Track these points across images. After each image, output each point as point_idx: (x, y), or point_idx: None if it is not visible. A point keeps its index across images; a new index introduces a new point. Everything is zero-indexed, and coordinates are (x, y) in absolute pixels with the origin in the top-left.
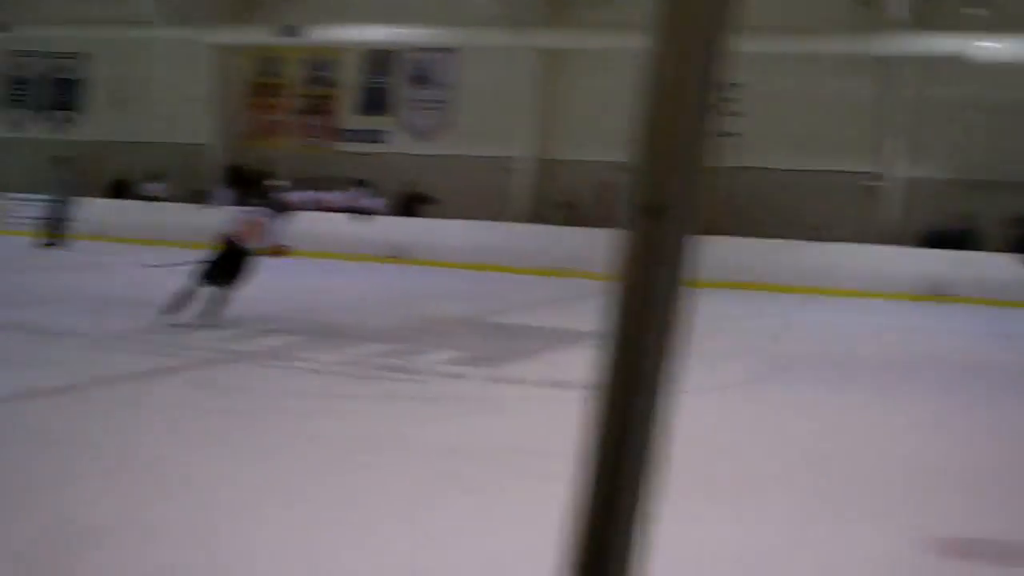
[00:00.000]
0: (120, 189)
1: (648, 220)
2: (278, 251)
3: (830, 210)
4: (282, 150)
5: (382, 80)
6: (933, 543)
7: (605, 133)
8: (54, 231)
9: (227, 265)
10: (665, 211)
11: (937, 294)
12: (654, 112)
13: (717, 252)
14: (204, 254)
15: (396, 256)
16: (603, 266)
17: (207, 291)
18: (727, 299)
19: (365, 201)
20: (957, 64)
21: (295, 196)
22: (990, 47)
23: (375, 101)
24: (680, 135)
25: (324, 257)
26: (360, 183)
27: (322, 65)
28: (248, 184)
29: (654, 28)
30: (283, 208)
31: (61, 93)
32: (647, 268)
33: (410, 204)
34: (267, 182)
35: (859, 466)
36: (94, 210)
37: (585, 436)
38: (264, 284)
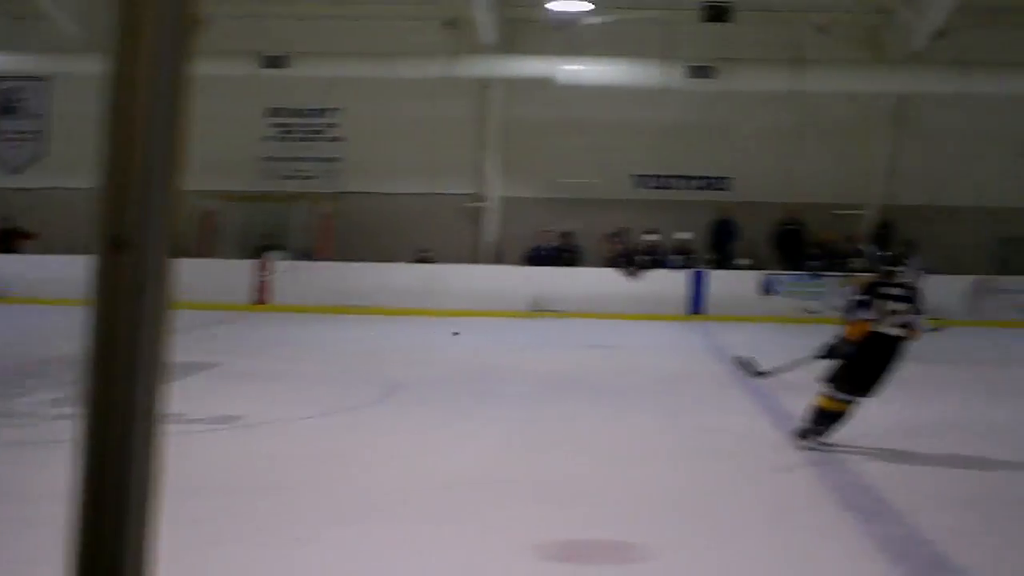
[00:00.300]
0: None
1: (113, 251)
2: None
3: (437, 232)
4: None
5: None
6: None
7: (208, 163)
8: None
9: None
10: (129, 242)
11: (540, 310)
12: (113, 141)
13: (324, 277)
14: None
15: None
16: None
17: None
18: (329, 324)
19: None
20: (547, 86)
21: None
22: (576, 69)
23: None
24: (142, 165)
25: None
26: None
27: None
28: None
29: (111, 52)
30: None
31: None
32: (115, 299)
33: (6, 239)
34: None
35: (458, 479)
36: None
37: (74, 469)
38: None
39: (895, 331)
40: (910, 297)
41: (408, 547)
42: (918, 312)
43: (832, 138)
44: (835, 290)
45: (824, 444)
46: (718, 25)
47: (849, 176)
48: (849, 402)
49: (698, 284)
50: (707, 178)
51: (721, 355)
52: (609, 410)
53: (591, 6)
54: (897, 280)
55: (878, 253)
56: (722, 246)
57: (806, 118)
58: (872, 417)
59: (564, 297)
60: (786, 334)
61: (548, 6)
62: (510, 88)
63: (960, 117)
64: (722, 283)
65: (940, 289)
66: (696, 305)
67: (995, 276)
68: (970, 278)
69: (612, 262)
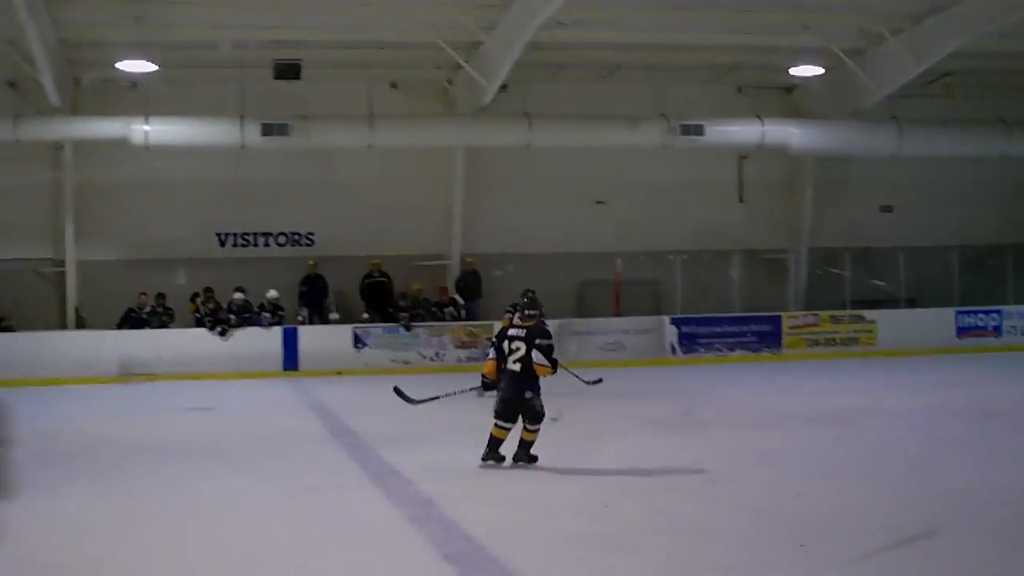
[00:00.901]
0: None
1: None
2: None
3: (17, 299)
4: None
5: None
6: None
7: None
8: None
9: None
10: None
11: (130, 374)
12: None
13: None
14: None
15: None
16: None
17: None
18: None
19: None
20: (123, 146)
21: None
22: (150, 130)
23: None
24: None
25: None
26: None
27: None
28: None
29: None
30: None
31: None
32: None
33: None
34: None
35: None
36: None
37: None
38: None
39: (514, 367)
40: (524, 337)
41: None
42: (543, 351)
43: (412, 190)
44: (426, 340)
45: (493, 462)
46: (293, 83)
47: (431, 227)
48: (503, 428)
49: (290, 341)
50: (292, 234)
51: (318, 411)
52: (208, 475)
53: (156, 67)
54: (516, 324)
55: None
56: (314, 302)
57: (385, 171)
58: None
59: (158, 359)
60: (379, 385)
61: (118, 65)
62: (85, 150)
63: (531, 168)
64: (315, 338)
65: None
66: (290, 361)
67: (574, 319)
68: (556, 322)
69: (200, 322)
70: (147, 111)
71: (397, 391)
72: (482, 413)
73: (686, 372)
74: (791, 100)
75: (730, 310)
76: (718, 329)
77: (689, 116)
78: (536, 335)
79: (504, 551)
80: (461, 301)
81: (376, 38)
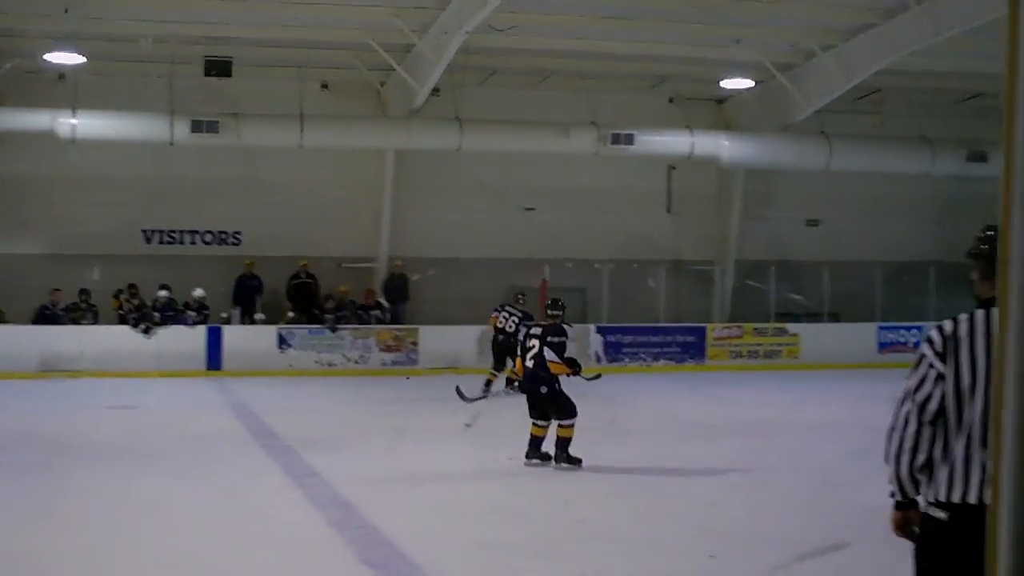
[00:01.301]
0: None
1: None
2: None
3: None
4: None
5: None
6: None
7: None
8: None
9: None
10: None
11: (52, 370)
12: None
13: None
14: None
15: None
16: None
17: None
18: None
19: None
20: (50, 139)
21: None
22: (77, 123)
23: None
24: None
25: None
26: None
27: None
28: None
29: None
30: None
31: None
32: None
33: None
34: None
35: None
36: None
37: None
38: None
39: (529, 364)
40: (540, 335)
41: None
42: (553, 348)
43: (340, 192)
44: (351, 342)
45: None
46: (224, 80)
47: (359, 229)
48: (539, 426)
49: (214, 340)
50: (219, 232)
51: (241, 411)
52: (131, 475)
53: (84, 59)
54: (534, 324)
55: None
56: (245, 301)
57: (314, 172)
58: None
59: (81, 355)
60: (303, 386)
61: (46, 56)
62: (9, 141)
63: (461, 173)
64: (239, 338)
65: (452, 338)
66: (214, 361)
67: None
68: (480, 327)
69: (124, 319)
70: (75, 104)
71: (458, 391)
72: (403, 417)
73: (610, 381)
74: (722, 112)
75: (655, 320)
76: (643, 339)
77: (620, 125)
78: (549, 333)
79: (423, 557)
80: (387, 304)
81: (308, 38)
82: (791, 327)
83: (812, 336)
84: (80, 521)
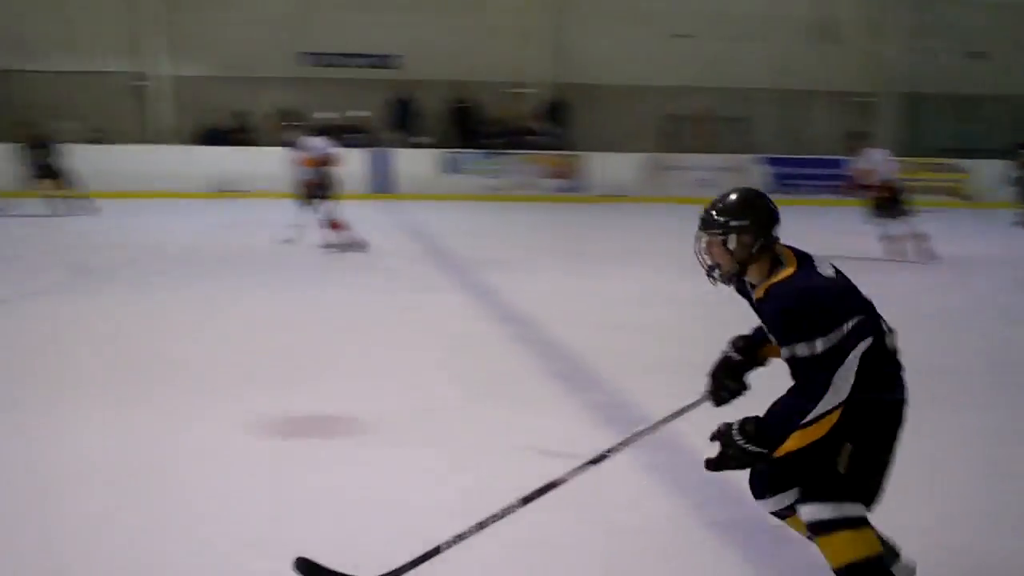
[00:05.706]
0: None
1: None
2: None
3: (105, 112)
4: None
5: None
6: None
7: None
8: None
9: None
10: None
11: (224, 190)
12: None
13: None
14: None
15: None
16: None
17: None
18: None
19: None
20: None
21: None
22: None
23: None
24: None
25: None
26: None
27: None
28: None
29: None
30: None
31: None
32: None
33: None
34: None
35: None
36: None
37: None
38: None
39: None
40: None
41: (113, 428)
42: None
43: (500, 16)
44: (515, 167)
45: None
46: None
47: (518, 55)
48: None
49: (381, 163)
50: (377, 55)
51: (413, 232)
52: (307, 288)
53: None
54: None
55: None
56: (402, 124)
57: None
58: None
59: (244, 177)
60: (470, 210)
61: None
62: None
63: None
64: (404, 162)
65: (617, 166)
66: (380, 184)
67: (666, 153)
68: (644, 155)
69: (285, 143)
70: None
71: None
72: (578, 241)
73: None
74: None
75: (811, 152)
76: (809, 171)
77: None
78: None
79: (608, 372)
80: (553, 129)
81: None
82: (961, 163)
83: (983, 173)
84: (276, 326)
